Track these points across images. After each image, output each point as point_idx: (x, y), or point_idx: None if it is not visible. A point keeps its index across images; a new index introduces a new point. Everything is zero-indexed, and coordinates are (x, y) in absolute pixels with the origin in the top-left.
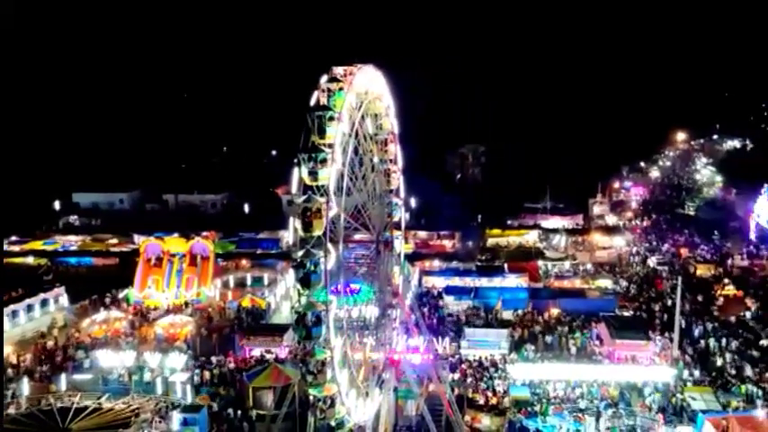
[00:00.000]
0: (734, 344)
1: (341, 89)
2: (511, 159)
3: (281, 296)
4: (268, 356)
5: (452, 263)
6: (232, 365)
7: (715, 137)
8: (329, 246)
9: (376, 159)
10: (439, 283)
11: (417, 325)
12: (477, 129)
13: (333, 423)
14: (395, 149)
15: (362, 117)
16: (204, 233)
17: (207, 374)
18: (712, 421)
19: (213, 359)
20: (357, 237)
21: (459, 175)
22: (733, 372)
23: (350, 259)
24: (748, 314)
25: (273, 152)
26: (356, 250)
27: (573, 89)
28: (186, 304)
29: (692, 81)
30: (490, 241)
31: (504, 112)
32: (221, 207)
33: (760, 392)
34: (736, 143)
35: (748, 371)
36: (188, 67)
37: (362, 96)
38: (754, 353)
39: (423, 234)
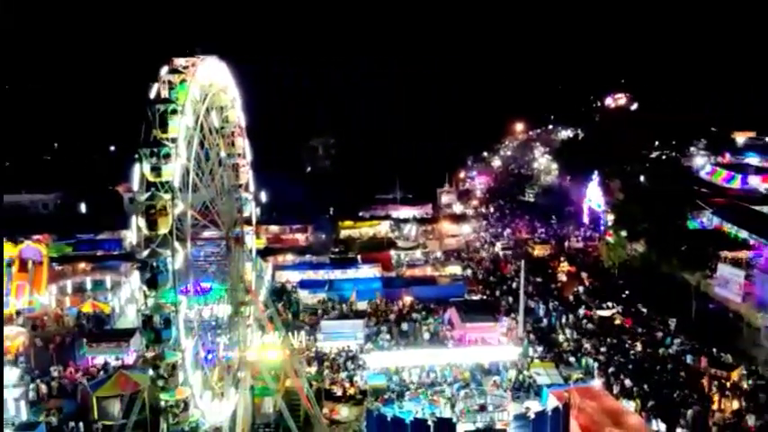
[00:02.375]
0: (572, 319)
1: (183, 81)
2: (361, 151)
3: (126, 299)
4: (114, 363)
5: (306, 256)
6: (73, 376)
7: (550, 127)
8: (176, 244)
9: (223, 154)
10: (293, 277)
11: (272, 321)
12: (326, 121)
13: (187, 427)
14: (243, 143)
15: (207, 110)
16: (36, 236)
17: (44, 388)
18: (556, 394)
19: (52, 371)
20: (206, 234)
21: (309, 168)
22: (572, 346)
23: (199, 257)
24: (581, 289)
25: (112, 148)
26: (206, 248)
27: (418, 82)
28: (17, 313)
29: (529, 75)
30: (343, 233)
31: (353, 104)
32: (54, 207)
33: (596, 364)
34: (569, 133)
35: (586, 344)
36: (9, 57)
37: (206, 89)
38: (589, 326)
39: (275, 228)
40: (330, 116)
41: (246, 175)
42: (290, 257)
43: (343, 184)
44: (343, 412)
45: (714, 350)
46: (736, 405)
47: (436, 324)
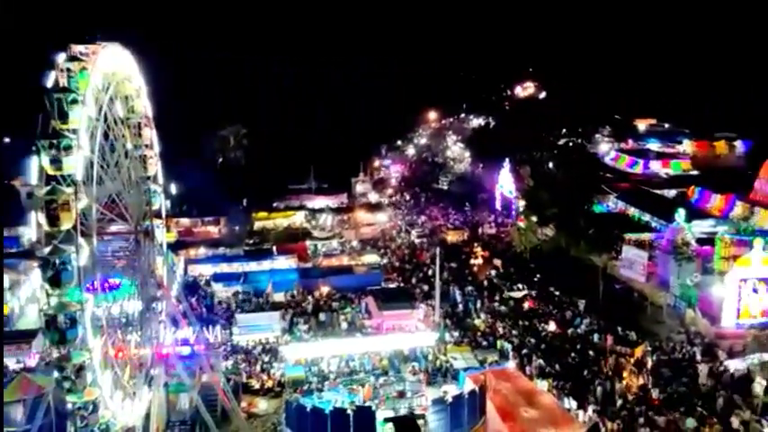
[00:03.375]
0: (486, 304)
1: (84, 69)
2: (273, 141)
3: (27, 299)
4: (14, 367)
5: (219, 249)
6: None
7: (462, 116)
8: (81, 240)
9: (129, 145)
10: (206, 270)
11: (186, 316)
12: (237, 110)
13: (97, 429)
14: (150, 134)
15: (111, 99)
16: None
17: None
18: (472, 377)
19: None
20: (113, 228)
21: (220, 159)
22: (487, 330)
23: (106, 253)
24: (493, 272)
25: (7, 139)
26: (113, 243)
27: (331, 71)
28: None
29: (442, 65)
30: (257, 225)
31: (265, 93)
32: None
33: (510, 347)
34: (481, 121)
35: (500, 328)
36: None
37: (109, 77)
38: (502, 308)
39: (186, 221)
40: (241, 105)
41: (155, 167)
42: (202, 250)
43: (256, 175)
44: (262, 405)
45: (619, 329)
46: (641, 380)
47: (354, 313)
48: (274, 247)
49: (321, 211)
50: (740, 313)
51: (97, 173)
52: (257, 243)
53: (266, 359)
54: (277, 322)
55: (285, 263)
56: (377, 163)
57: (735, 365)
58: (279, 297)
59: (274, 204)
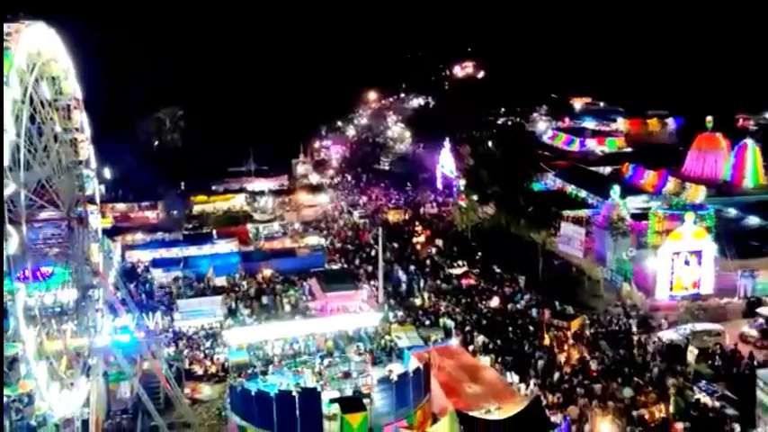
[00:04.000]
0: (429, 282)
1: (6, 49)
2: (211, 123)
3: None
4: None
5: (158, 234)
6: None
7: (402, 96)
8: (10, 228)
9: (58, 128)
10: (144, 256)
11: (124, 303)
12: (173, 92)
13: (34, 421)
14: (80, 116)
15: (36, 81)
16: None
17: None
18: (416, 355)
19: None
20: (44, 215)
21: (157, 142)
22: (430, 308)
23: (38, 241)
24: (434, 250)
25: None
26: (44, 230)
27: (269, 52)
28: None
29: (381, 45)
30: (196, 208)
31: (201, 74)
32: None
33: (453, 324)
34: (421, 101)
35: (443, 306)
36: None
37: (34, 57)
38: (444, 286)
39: (122, 206)
40: (177, 87)
41: (86, 151)
42: (140, 236)
43: (194, 158)
44: (206, 391)
45: (557, 303)
46: (580, 352)
47: (297, 295)
48: (214, 231)
49: (261, 193)
50: (673, 285)
51: (24, 157)
52: (197, 227)
53: (209, 344)
54: (219, 307)
55: (226, 247)
56: (317, 144)
57: (668, 336)
58: (220, 281)
59: (213, 188)
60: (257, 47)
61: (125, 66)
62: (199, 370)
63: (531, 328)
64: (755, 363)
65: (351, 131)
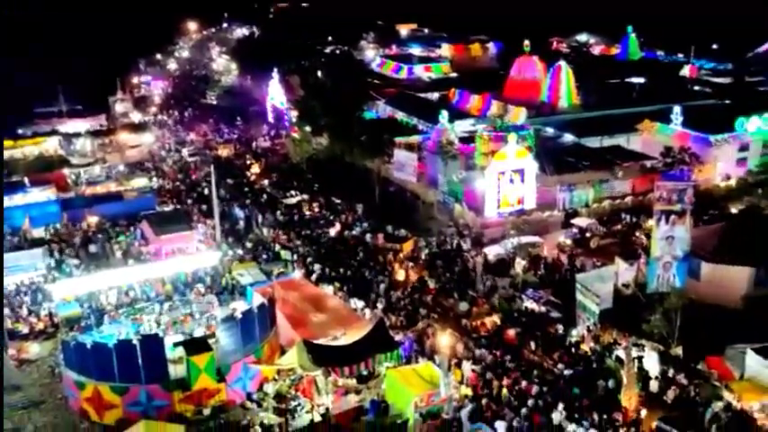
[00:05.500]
0: (266, 216)
1: None
2: (10, 60)
3: None
4: None
5: None
6: None
7: (225, 26)
8: None
9: None
10: None
11: None
12: None
13: None
14: None
15: None
16: None
17: None
18: (260, 291)
19: None
20: None
21: None
22: (270, 242)
23: None
24: (267, 182)
25: None
26: None
27: None
28: None
29: None
30: (3, 155)
31: None
32: None
33: (294, 256)
34: (245, 31)
35: (283, 238)
36: None
37: None
38: (282, 219)
39: None
40: None
41: None
42: None
43: None
44: (34, 349)
45: (389, 227)
46: (418, 273)
47: (128, 241)
48: (26, 179)
49: (77, 135)
50: (500, 203)
51: None
52: (6, 175)
53: (31, 300)
54: (41, 260)
55: (42, 195)
56: (136, 80)
57: (496, 250)
58: (39, 233)
59: (20, 131)
60: None
61: None
62: (24, 329)
63: (366, 253)
64: (575, 268)
65: (172, 65)
